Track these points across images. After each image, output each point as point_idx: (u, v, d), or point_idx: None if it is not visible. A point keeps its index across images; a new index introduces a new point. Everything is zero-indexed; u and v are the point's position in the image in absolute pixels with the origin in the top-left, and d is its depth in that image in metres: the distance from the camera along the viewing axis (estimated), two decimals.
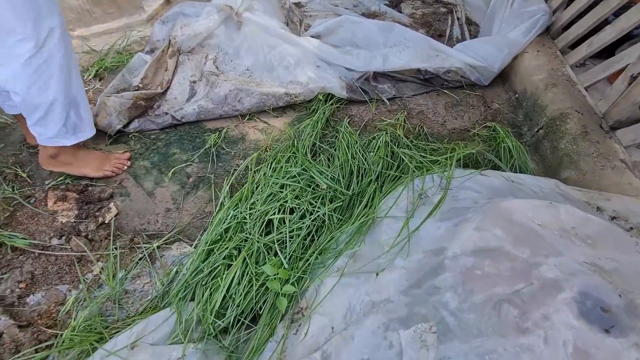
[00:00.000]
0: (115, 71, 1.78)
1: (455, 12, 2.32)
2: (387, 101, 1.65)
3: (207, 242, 0.97)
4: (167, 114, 1.50)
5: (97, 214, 1.20)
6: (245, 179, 1.26)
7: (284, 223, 0.97)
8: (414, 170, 1.02)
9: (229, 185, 1.25)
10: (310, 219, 0.98)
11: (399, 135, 1.37)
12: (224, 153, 1.42)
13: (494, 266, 0.62)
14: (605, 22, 1.39)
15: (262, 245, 0.93)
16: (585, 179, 1.12)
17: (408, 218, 0.81)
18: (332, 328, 0.71)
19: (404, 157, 1.15)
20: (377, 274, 0.73)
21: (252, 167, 1.28)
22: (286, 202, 0.99)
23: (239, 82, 1.56)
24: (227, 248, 0.93)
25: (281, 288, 0.78)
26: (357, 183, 1.10)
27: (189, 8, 1.92)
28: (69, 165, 1.24)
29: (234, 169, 1.34)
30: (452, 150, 1.18)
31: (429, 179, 0.96)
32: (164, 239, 1.13)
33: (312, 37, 1.78)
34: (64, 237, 1.13)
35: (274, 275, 0.80)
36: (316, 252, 0.91)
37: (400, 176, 1.12)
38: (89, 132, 1.23)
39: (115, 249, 1.10)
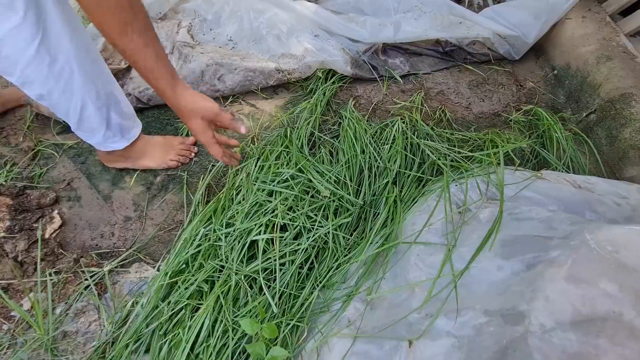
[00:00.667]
0: None
1: None
2: (399, 79, 1.36)
3: (167, 273, 0.71)
4: (130, 94, 1.21)
5: (34, 225, 0.94)
6: (226, 180, 1.00)
7: (272, 244, 0.72)
8: (446, 172, 0.76)
9: (204, 186, 0.99)
10: (308, 239, 0.72)
11: (416, 121, 1.10)
12: (201, 145, 1.15)
13: (615, 350, 0.38)
14: None
15: (242, 277, 0.68)
16: None
17: (450, 248, 0.56)
18: None
19: (429, 153, 0.88)
20: (409, 343, 0.48)
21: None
22: (276, 216, 0.73)
23: (219, 55, 1.27)
24: (194, 281, 0.68)
25: (266, 354, 0.53)
26: (369, 187, 0.84)
27: None
28: (128, 159, 1.03)
29: (212, 165, 1.08)
30: (491, 141, 0.91)
31: (470, 183, 0.70)
32: (119, 259, 0.88)
33: (309, 0, 1.47)
34: None
35: (256, 334, 0.55)
36: (317, 286, 0.66)
37: (424, 177, 0.86)
38: (137, 128, 1.00)
39: (54, 274, 0.85)
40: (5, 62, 0.71)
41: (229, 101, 1.28)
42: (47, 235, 0.93)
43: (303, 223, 0.72)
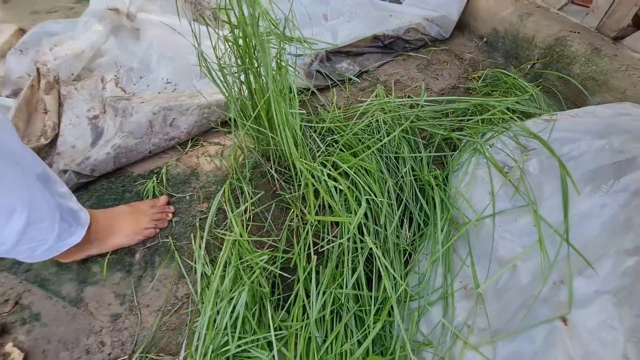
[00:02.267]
0: None
1: None
2: (355, 79, 1.35)
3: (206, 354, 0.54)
4: (66, 171, 0.99)
5: None
6: (226, 228, 0.85)
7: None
8: (476, 136, 0.72)
9: (203, 243, 0.82)
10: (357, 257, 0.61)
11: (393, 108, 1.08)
12: (176, 201, 0.98)
13: None
14: None
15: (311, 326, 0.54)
16: (627, 97, 0.96)
17: (535, 207, 0.51)
18: None
19: (434, 132, 0.85)
20: (564, 321, 0.41)
21: (231, 207, 0.87)
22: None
23: (163, 100, 1.12)
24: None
25: None
26: (393, 179, 0.77)
27: (53, 25, 1.39)
28: (92, 244, 0.81)
29: (199, 218, 0.91)
30: (480, 105, 0.92)
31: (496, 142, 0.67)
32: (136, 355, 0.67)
33: None
34: None
35: None
36: (398, 308, 0.56)
37: (440, 155, 0.83)
38: (83, 209, 0.76)
39: None
40: None
41: (188, 147, 1.12)
42: None
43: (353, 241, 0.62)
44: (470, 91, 1.27)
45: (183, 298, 0.79)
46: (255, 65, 0.80)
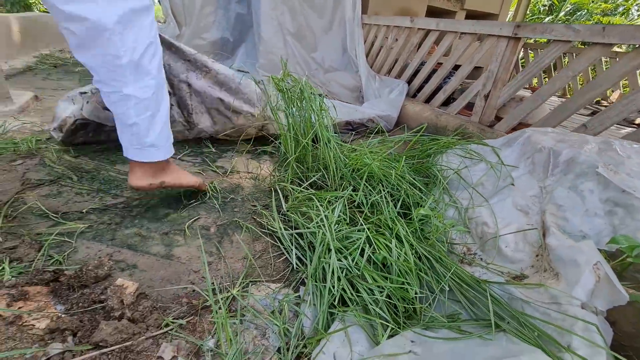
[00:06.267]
0: (1, 158, 1.29)
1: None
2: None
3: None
4: None
5: (102, 297, 0.77)
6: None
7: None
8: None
9: (275, 214, 1.09)
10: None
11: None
12: (230, 200, 1.23)
13: None
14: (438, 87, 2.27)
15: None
16: None
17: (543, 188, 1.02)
18: None
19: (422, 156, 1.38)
20: None
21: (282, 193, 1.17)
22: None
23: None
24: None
25: None
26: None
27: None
28: (167, 172, 1.06)
29: (253, 209, 1.18)
30: (433, 144, 1.52)
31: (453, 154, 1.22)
32: (239, 282, 0.84)
33: None
34: (63, 337, 0.65)
35: None
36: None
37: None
38: (172, 151, 1.08)
39: (179, 319, 0.72)
40: None
41: (228, 172, 1.43)
42: (127, 301, 0.77)
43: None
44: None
45: (261, 250, 1.00)
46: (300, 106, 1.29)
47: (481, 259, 0.77)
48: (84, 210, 1.06)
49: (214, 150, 1.62)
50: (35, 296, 0.74)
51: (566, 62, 4.63)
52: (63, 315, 0.70)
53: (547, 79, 6.01)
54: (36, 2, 5.99)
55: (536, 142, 0.93)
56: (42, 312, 0.71)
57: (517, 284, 0.62)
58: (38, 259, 0.84)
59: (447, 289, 0.69)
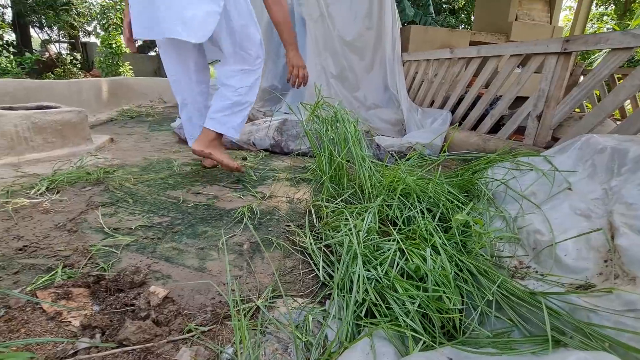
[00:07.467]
0: (75, 185, 1.47)
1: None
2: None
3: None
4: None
5: (134, 302, 0.79)
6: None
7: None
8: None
9: (308, 232, 1.07)
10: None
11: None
12: (266, 221, 1.24)
13: None
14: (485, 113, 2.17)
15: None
16: None
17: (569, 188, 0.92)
18: None
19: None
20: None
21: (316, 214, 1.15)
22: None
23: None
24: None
25: None
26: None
27: None
28: (218, 149, 1.49)
29: (287, 229, 1.17)
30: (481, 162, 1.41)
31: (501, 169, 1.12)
32: (264, 294, 0.81)
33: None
34: (92, 334, 0.67)
35: None
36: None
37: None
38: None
39: (202, 326, 0.71)
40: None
41: (266, 196, 1.46)
42: (154, 302, 0.78)
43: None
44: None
45: (291, 267, 0.97)
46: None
47: (536, 271, 0.66)
48: (132, 227, 1.14)
49: (254, 177, 1.69)
50: (77, 296, 0.78)
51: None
52: (96, 314, 0.73)
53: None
54: (124, 70, 7.19)
55: (597, 144, 0.82)
56: (79, 310, 0.74)
57: (581, 292, 0.51)
58: (86, 265, 0.91)
59: (494, 302, 0.59)
